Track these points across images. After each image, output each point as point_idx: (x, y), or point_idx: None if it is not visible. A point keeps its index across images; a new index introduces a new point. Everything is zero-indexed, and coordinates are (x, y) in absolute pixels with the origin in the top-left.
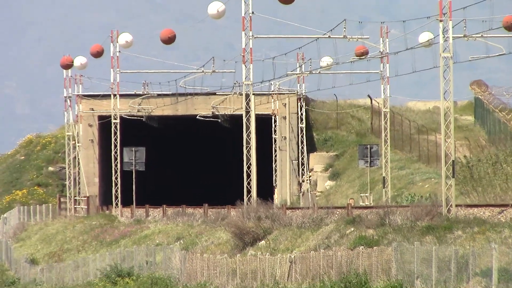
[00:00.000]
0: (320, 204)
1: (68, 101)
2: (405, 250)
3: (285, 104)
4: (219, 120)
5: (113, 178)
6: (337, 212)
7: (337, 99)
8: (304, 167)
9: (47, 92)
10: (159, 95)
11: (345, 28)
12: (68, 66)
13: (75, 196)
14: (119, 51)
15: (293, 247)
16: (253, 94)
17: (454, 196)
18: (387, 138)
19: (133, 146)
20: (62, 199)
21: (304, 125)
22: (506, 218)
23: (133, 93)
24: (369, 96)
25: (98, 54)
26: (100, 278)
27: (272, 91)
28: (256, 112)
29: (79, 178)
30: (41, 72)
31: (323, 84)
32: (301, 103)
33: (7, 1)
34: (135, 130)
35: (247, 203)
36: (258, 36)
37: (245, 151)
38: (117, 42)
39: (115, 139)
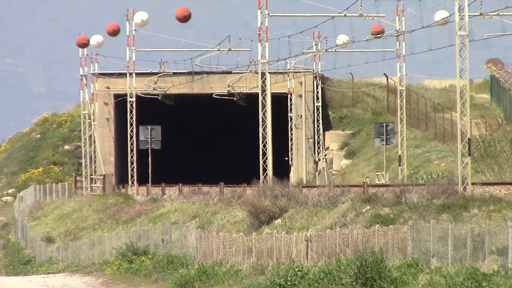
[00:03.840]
0: (336, 182)
1: (84, 79)
2: (421, 229)
3: (301, 82)
4: (235, 99)
5: (129, 156)
6: (353, 191)
7: (353, 78)
8: (320, 145)
9: (63, 70)
10: (174, 73)
11: (361, 6)
12: (84, 44)
13: (91, 175)
14: (135, 30)
15: (309, 225)
16: (269, 72)
17: (470, 174)
18: (403, 116)
19: (148, 124)
20: (78, 178)
21: (320, 104)
22: None
23: (149, 71)
24: (385, 74)
25: (114, 32)
26: (116, 257)
27: (288, 69)
28: (272, 91)
29: (95, 157)
30: (57, 51)
31: (339, 63)
32: (317, 81)
33: None
34: (151, 108)
35: (263, 182)
36: (274, 14)
37: (261, 130)
38: (133, 20)
39: (131, 118)
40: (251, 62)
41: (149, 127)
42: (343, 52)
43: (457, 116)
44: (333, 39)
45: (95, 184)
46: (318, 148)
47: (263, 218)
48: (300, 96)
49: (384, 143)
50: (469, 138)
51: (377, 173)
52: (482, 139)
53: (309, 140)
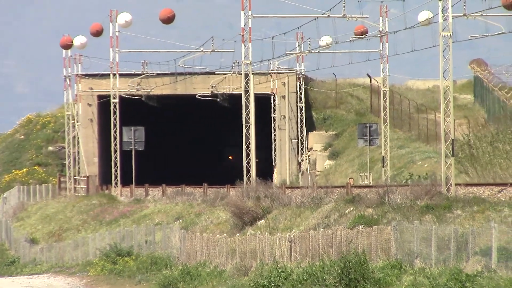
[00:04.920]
0: (319, 183)
1: (68, 80)
2: (404, 229)
3: (284, 83)
4: (218, 100)
5: (113, 157)
6: (337, 192)
7: (336, 78)
8: (303, 146)
9: (47, 71)
10: (158, 74)
11: (344, 7)
12: (68, 46)
13: (74, 176)
14: (119, 31)
15: (293, 226)
16: (252, 73)
17: (453, 175)
18: (387, 117)
19: (132, 125)
20: (62, 179)
21: (303, 104)
22: (505, 197)
23: (132, 72)
24: (368, 75)
25: (97, 33)
26: (99, 258)
27: (271, 70)
28: (255, 92)
29: (78, 158)
30: (41, 52)
31: (322, 64)
32: (300, 82)
33: None
34: (134, 109)
35: (246, 183)
36: (257, 15)
37: (244, 131)
38: (116, 21)
39: (115, 119)
40: (234, 63)
41: (132, 128)
42: (326, 53)
43: (441, 117)
44: (317, 40)
45: (78, 185)
46: (302, 149)
47: (246, 219)
48: (284, 97)
49: (368, 144)
50: (452, 139)
51: (360, 174)
52: (466, 140)
53: (293, 141)
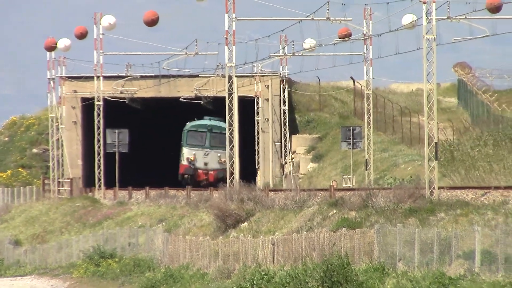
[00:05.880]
0: (302, 186)
1: (52, 83)
2: (387, 232)
3: (268, 86)
4: (202, 102)
5: (96, 160)
6: (320, 194)
7: (320, 81)
8: (286, 149)
9: (31, 73)
10: (142, 77)
11: (328, 10)
12: (52, 48)
13: (58, 178)
14: (103, 33)
15: (276, 229)
16: (236, 76)
17: (437, 178)
18: (370, 120)
19: (116, 128)
20: (45, 181)
21: (286, 107)
22: (489, 201)
23: (116, 75)
24: (352, 78)
25: (81, 35)
26: (83, 260)
27: (255, 73)
28: (239, 94)
29: (62, 160)
30: (25, 54)
31: (306, 66)
32: (283, 85)
33: None
34: (118, 112)
35: (229, 185)
36: (241, 18)
37: (227, 133)
38: (100, 24)
39: (98, 121)
40: (218, 66)
41: (116, 130)
42: (310, 55)
43: (424, 120)
44: (300, 43)
45: (62, 187)
46: (285, 151)
47: (229, 222)
48: (267, 99)
49: (351, 147)
50: (436, 142)
51: (344, 176)
52: (449, 143)
53: (276, 143)
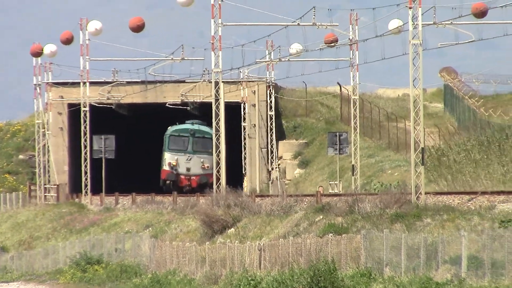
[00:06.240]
0: (289, 191)
1: (38, 89)
2: (374, 238)
3: (255, 91)
4: (188, 108)
5: (83, 166)
6: (306, 200)
7: (306, 87)
8: (273, 154)
9: (17, 79)
10: (128, 82)
11: (314, 15)
12: (38, 54)
13: (45, 184)
14: (89, 39)
15: (262, 234)
16: (222, 81)
17: (423, 184)
18: (357, 126)
19: (102, 134)
20: (32, 187)
21: (273, 113)
22: (475, 206)
23: (103, 80)
24: (338, 83)
25: (68, 41)
26: (69, 266)
27: (241, 78)
28: (225, 100)
29: (49, 166)
30: (11, 60)
31: (292, 72)
32: (270, 90)
33: None
34: (105, 118)
35: (216, 191)
36: (227, 24)
37: (214, 139)
38: (87, 29)
39: (85, 127)
40: (204, 71)
41: (102, 136)
42: (296, 61)
43: (411, 125)
44: (287, 48)
45: (49, 193)
46: (272, 157)
47: (216, 228)
48: (254, 105)
49: (338, 153)
50: (422, 147)
51: (330, 182)
52: (436, 148)
53: (263, 149)
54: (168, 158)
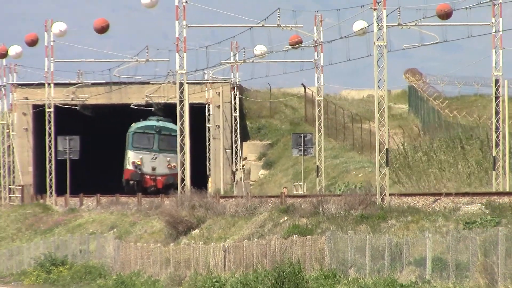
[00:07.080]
0: (253, 193)
1: (3, 90)
2: (338, 239)
3: (219, 93)
4: (153, 109)
5: (47, 167)
6: (271, 201)
7: (270, 88)
8: (237, 156)
9: None
10: (93, 84)
11: (279, 17)
12: (3, 55)
13: (9, 185)
14: (53, 40)
15: (227, 236)
16: (186, 83)
17: (388, 185)
18: (321, 127)
19: (67, 135)
20: None
21: (237, 114)
22: (440, 207)
23: (68, 82)
24: (303, 84)
25: (32, 42)
26: (34, 267)
27: (206, 80)
28: (190, 101)
29: (13, 167)
30: None
31: (256, 73)
32: (234, 92)
33: None
34: (70, 119)
35: (181, 192)
36: (192, 25)
37: (178, 140)
38: (51, 31)
39: (49, 128)
40: (169, 73)
41: (67, 137)
42: (261, 62)
43: (375, 127)
44: (251, 50)
45: (13, 194)
46: (236, 158)
47: (181, 229)
48: (218, 106)
49: (302, 154)
50: (387, 149)
51: (295, 183)
52: (400, 150)
53: (227, 150)
54: (132, 156)
